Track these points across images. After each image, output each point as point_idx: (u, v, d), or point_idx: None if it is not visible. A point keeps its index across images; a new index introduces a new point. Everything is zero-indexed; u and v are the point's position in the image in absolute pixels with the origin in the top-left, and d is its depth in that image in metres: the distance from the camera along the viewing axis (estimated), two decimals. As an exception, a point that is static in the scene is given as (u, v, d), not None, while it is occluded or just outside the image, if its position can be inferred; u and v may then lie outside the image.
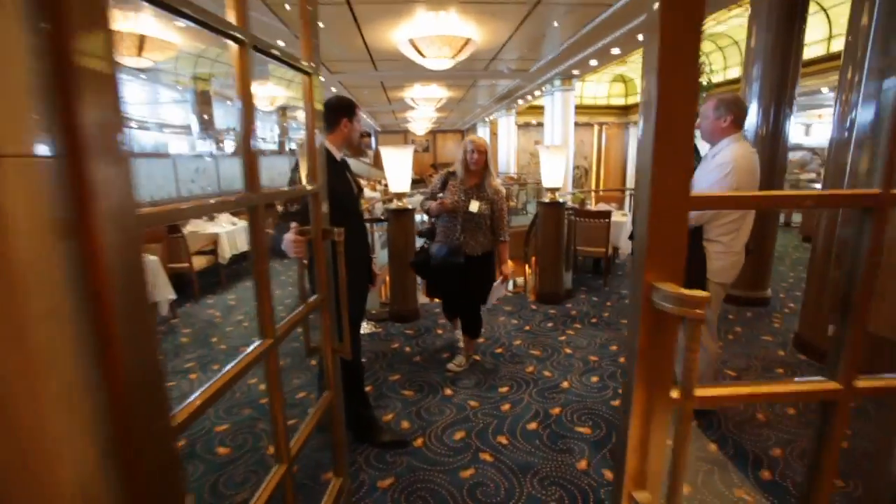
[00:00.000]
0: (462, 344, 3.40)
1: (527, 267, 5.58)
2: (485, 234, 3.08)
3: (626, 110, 21.20)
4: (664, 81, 0.80)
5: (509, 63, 9.27)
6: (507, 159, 17.54)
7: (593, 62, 8.81)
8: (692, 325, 0.79)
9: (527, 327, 4.11)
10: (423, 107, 12.75)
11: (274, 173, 9.57)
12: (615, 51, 7.87)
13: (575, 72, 9.78)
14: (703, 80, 6.32)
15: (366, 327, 4.13)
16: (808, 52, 13.15)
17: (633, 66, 18.35)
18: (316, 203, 1.65)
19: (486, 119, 21.49)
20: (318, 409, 1.70)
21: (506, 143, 17.44)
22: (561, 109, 10.53)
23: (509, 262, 3.28)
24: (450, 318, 3.61)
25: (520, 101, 15.31)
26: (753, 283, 4.56)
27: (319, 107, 1.63)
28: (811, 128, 26.36)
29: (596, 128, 22.81)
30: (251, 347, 1.20)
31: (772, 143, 4.24)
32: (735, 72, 12.53)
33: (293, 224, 1.74)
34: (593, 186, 23.12)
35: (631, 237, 4.73)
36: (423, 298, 4.30)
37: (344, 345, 1.79)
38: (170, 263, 4.45)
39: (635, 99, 20.41)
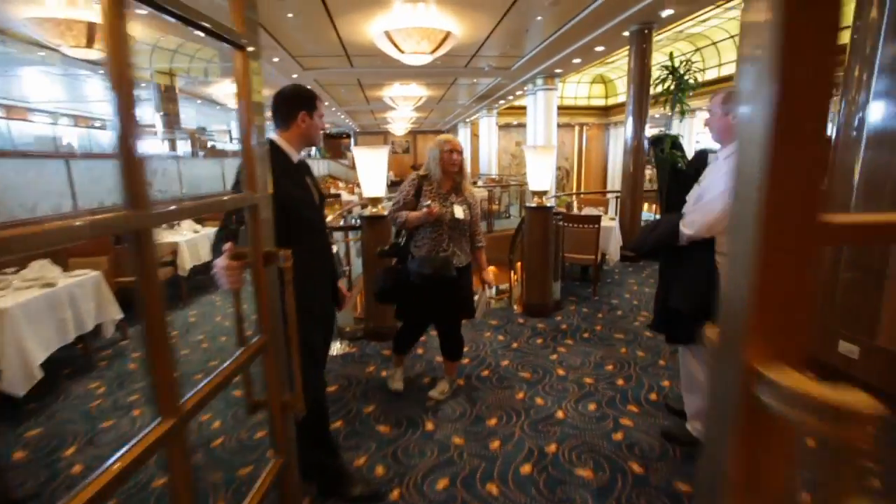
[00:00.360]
0: (442, 368, 3.05)
1: (512, 274, 5.27)
2: (467, 241, 2.78)
3: (606, 111, 21.20)
4: (794, 50, 0.46)
5: (490, 60, 8.98)
6: (488, 160, 17.28)
7: (577, 60, 8.59)
8: (841, 461, 0.45)
9: (514, 344, 3.78)
10: (403, 106, 12.37)
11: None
12: (599, 48, 7.65)
13: (558, 70, 9.55)
14: (691, 80, 6.11)
15: (338, 347, 3.74)
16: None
17: (614, 67, 18.35)
18: (255, 218, 1.28)
19: (468, 120, 21.21)
20: (265, 479, 1.33)
21: (487, 143, 17.19)
22: (543, 109, 10.29)
23: (489, 268, 2.95)
24: (403, 350, 3.05)
25: (501, 102, 15.06)
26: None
27: (258, 96, 1.27)
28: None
29: (577, 129, 22.79)
30: (143, 433, 0.83)
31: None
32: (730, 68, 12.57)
33: (226, 245, 1.35)
34: (574, 188, 23.13)
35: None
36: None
37: (296, 397, 1.42)
38: (118, 278, 3.98)
39: (615, 100, 20.41)
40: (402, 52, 6.57)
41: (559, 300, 4.69)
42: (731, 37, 12.66)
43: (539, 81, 10.17)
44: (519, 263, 4.88)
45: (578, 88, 21.01)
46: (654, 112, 6.67)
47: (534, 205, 4.15)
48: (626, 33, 6.47)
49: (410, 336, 2.99)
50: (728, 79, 12.70)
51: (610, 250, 5.24)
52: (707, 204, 2.05)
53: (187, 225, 5.91)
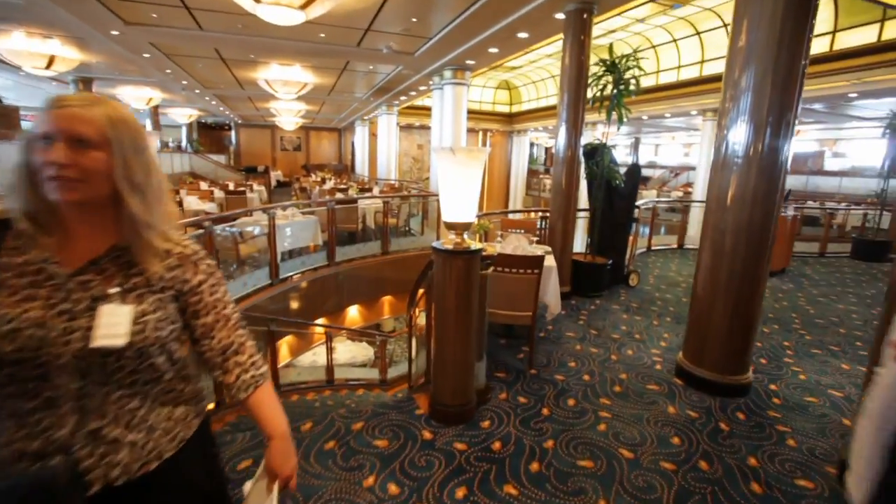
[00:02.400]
0: None
1: (412, 339, 3.51)
2: (166, 399, 0.95)
3: (510, 118, 20.62)
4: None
5: (391, 40, 7.22)
6: (387, 163, 15.45)
7: (493, 49, 7.18)
8: None
9: (415, 509, 2.05)
10: (283, 94, 10.06)
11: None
12: (523, 35, 6.29)
13: (470, 61, 8.10)
14: (632, 80, 4.95)
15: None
16: (683, 74, 13.51)
17: (519, 73, 17.74)
18: None
19: (366, 117, 19.19)
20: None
21: (386, 144, 15.35)
22: (452, 106, 8.78)
23: (279, 461, 1.12)
24: None
25: (403, 98, 13.37)
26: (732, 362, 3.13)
27: None
28: (660, 148, 29.12)
29: (481, 134, 22.00)
30: None
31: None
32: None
33: None
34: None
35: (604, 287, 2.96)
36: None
37: None
38: None
39: (520, 107, 19.91)
40: (257, 1, 4.53)
41: (484, 388, 3.05)
42: (674, 40, 12.35)
43: (448, 74, 8.65)
44: (425, 315, 3.16)
45: (483, 93, 20.14)
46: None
47: (448, 247, 2.45)
48: (561, 15, 5.12)
49: None
50: (667, 87, 12.37)
51: (549, 300, 3.75)
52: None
53: None
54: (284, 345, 6.70)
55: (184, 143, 23.18)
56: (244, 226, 5.91)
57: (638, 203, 6.28)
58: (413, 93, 12.04)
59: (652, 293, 5.69)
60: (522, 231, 5.08)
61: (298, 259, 6.07)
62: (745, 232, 2.93)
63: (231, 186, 10.94)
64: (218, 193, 9.12)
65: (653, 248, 8.72)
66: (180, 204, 6.71)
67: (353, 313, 7.97)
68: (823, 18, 8.73)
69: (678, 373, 3.42)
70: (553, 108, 17.61)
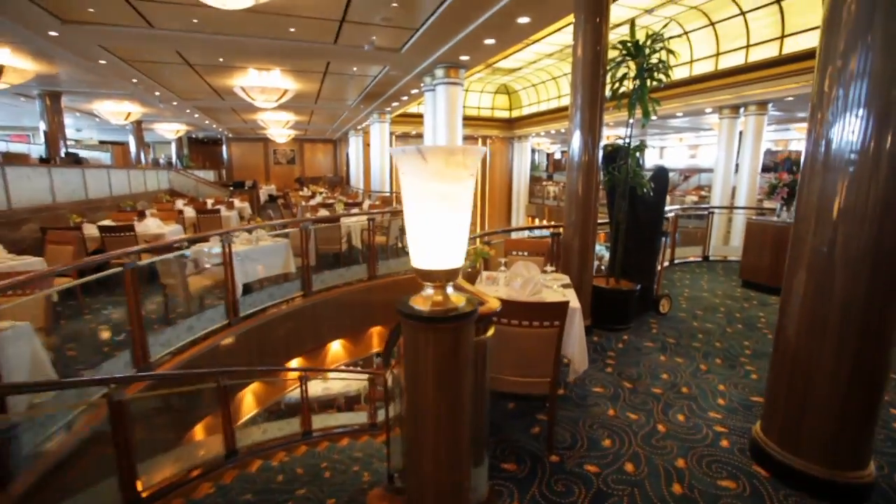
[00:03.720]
0: None
1: (384, 428, 2.54)
2: None
3: (510, 123, 19.76)
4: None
5: (373, 33, 6.35)
6: (381, 175, 14.57)
7: (490, 41, 6.29)
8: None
9: None
10: (262, 102, 9.21)
11: None
12: (523, 20, 5.38)
13: (463, 57, 7.21)
14: (661, 67, 4.03)
15: None
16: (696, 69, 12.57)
17: (519, 77, 16.91)
18: None
19: (359, 127, 18.38)
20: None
21: (379, 154, 14.48)
22: (446, 109, 7.87)
23: None
24: None
25: (395, 104, 12.51)
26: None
27: None
28: (665, 150, 28.19)
29: (480, 141, 21.15)
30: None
31: None
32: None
33: None
34: (478, 212, 21.36)
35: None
36: None
37: None
38: None
39: (520, 112, 19.06)
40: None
41: (486, 499, 2.08)
42: (685, 33, 11.00)
43: (440, 73, 7.76)
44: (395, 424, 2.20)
45: (482, 98, 19.34)
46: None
47: (421, 310, 1.47)
48: (568, -12, 4.20)
49: None
50: (679, 83, 11.18)
51: (573, 354, 2.77)
52: None
53: None
54: (249, 394, 5.74)
55: (174, 160, 22.43)
56: (204, 253, 4.97)
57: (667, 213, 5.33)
58: (405, 97, 11.18)
59: (688, 322, 4.71)
60: (528, 253, 4.12)
61: (267, 290, 5.12)
62: (872, 256, 1.97)
63: (211, 204, 10.05)
64: (190, 213, 8.20)
65: (675, 261, 7.74)
66: (130, 229, 5.77)
67: (336, 348, 7.00)
68: None
69: (756, 455, 2.44)
70: (555, 111, 16.78)
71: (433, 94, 8.07)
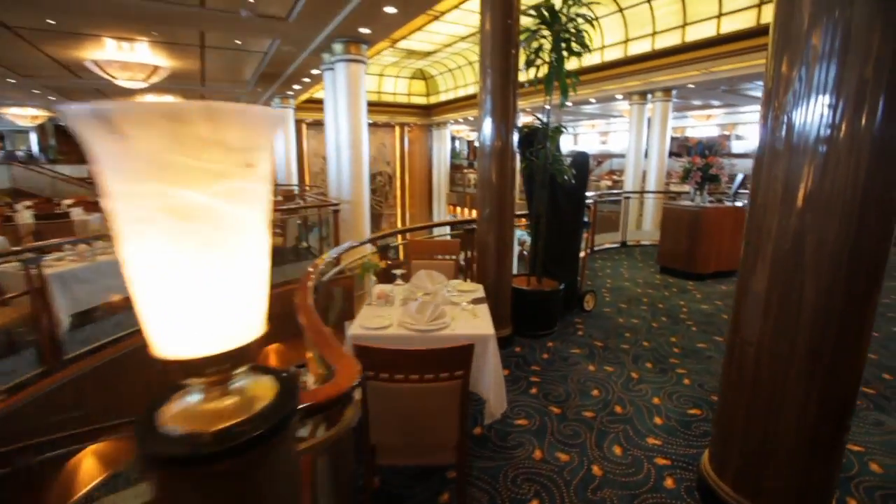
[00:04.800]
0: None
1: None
2: None
3: (428, 110, 19.06)
4: None
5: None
6: (286, 166, 13.23)
7: (390, 9, 5.49)
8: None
9: None
10: (126, 82, 7.67)
11: None
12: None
13: (364, 29, 6.35)
14: (575, 33, 3.54)
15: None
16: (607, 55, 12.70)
17: (436, 62, 16.21)
18: None
19: (263, 113, 16.66)
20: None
21: (283, 143, 13.11)
22: (347, 90, 6.97)
23: None
24: None
25: (297, 87, 11.27)
26: None
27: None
28: (580, 137, 29.26)
29: (398, 129, 20.25)
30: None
31: None
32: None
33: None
34: (399, 198, 20.55)
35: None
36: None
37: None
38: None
39: (437, 98, 18.44)
40: None
41: None
42: (595, 18, 10.21)
43: (338, 48, 6.83)
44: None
45: (398, 84, 18.45)
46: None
47: (177, 438, 0.74)
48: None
49: None
50: (591, 69, 10.98)
51: (487, 393, 2.17)
52: None
53: None
54: (90, 455, 4.51)
55: (35, 152, 19.05)
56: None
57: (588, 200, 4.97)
58: (306, 79, 10.05)
59: (614, 318, 4.38)
60: (439, 255, 3.49)
61: (113, 319, 4.01)
62: (849, 253, 1.54)
63: (67, 205, 8.30)
64: (28, 219, 6.56)
65: (595, 248, 7.58)
66: None
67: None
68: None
69: (707, 498, 2.02)
70: (472, 97, 16.35)
71: (332, 73, 7.12)
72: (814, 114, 1.51)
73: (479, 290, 2.75)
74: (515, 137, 3.60)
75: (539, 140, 3.82)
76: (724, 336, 3.95)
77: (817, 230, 1.56)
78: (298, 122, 15.19)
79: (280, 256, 6.01)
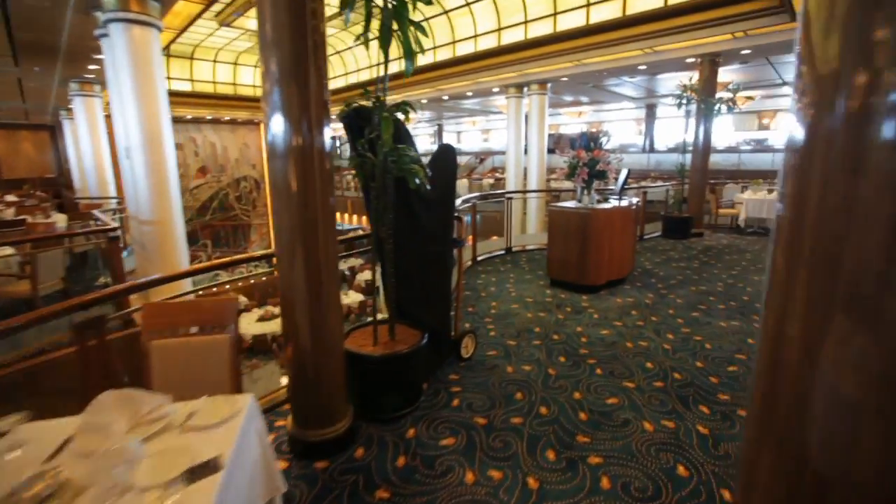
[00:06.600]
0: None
1: None
2: None
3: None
4: None
5: None
6: (97, 171, 10.27)
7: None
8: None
9: None
10: None
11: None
12: None
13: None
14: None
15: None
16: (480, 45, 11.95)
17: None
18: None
19: (71, 106, 13.17)
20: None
21: (89, 143, 10.12)
22: (131, 68, 4.95)
23: None
24: None
25: (92, 66, 8.63)
26: None
27: None
28: (462, 135, 29.02)
29: (262, 127, 17.74)
30: None
31: None
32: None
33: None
34: (269, 205, 18.10)
35: None
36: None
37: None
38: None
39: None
40: None
41: None
42: (468, 4, 9.42)
43: (109, 2, 4.82)
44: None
45: (257, 75, 16.09)
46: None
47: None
48: None
49: None
50: (465, 59, 9.31)
51: None
52: None
53: None
54: None
55: None
56: None
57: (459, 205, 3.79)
58: (100, 56, 7.60)
59: (500, 366, 3.25)
60: (198, 330, 1.99)
61: None
62: None
63: None
64: None
65: (479, 258, 6.57)
66: None
67: None
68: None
69: None
70: (343, 90, 14.74)
71: (109, 41, 5.07)
72: None
73: (236, 405, 1.32)
74: (327, 132, 2.22)
75: (375, 123, 2.49)
76: (633, 382, 3.02)
77: None
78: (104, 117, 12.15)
79: (27, 309, 3.94)
